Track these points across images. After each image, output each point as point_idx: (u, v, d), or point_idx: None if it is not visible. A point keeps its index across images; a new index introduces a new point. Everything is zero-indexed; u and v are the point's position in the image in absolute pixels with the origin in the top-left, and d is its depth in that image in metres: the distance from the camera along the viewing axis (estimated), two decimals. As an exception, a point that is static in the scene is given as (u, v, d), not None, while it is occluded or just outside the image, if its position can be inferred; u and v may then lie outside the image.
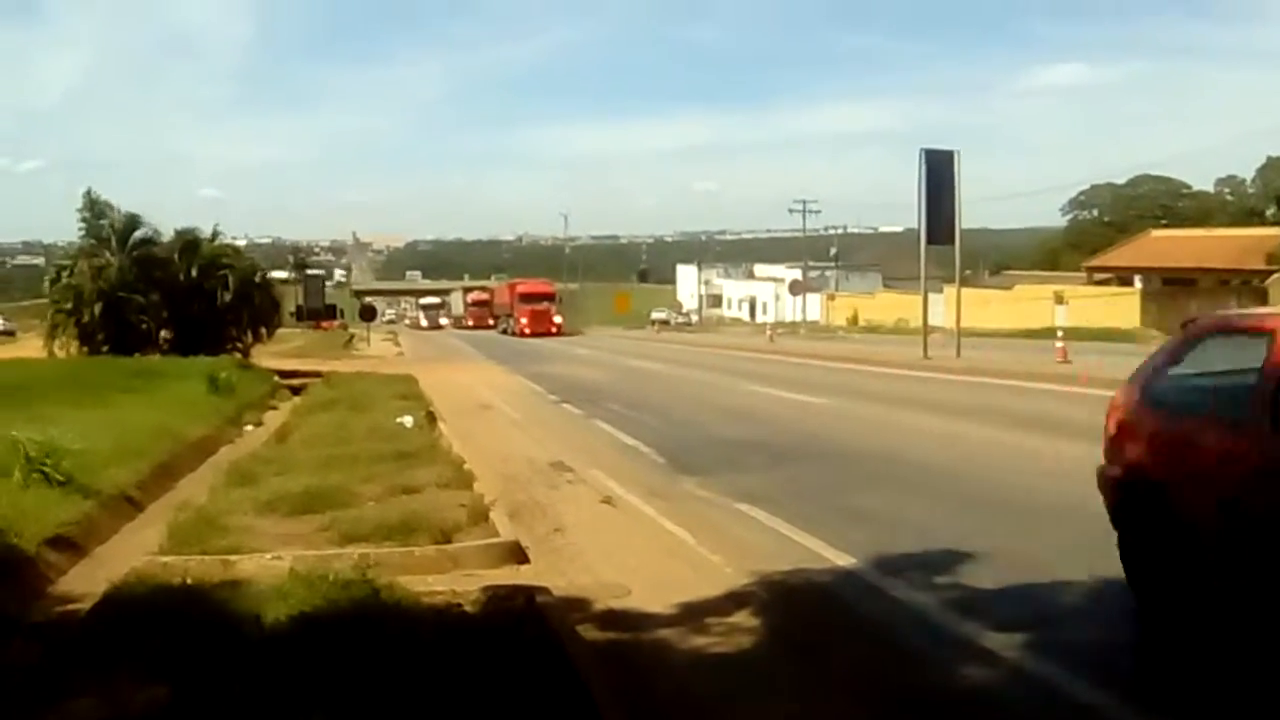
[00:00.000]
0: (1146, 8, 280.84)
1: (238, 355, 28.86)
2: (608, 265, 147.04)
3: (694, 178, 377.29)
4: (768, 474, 11.29)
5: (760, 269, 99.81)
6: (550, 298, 69.10)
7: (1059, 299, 26.53)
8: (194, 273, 29.23)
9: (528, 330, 63.45)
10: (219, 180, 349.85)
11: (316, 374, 25.92)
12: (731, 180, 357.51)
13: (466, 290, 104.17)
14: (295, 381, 24.41)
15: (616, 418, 16.93)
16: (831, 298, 73.69)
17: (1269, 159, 49.99)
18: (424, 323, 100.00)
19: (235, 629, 5.53)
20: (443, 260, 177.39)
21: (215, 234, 31.38)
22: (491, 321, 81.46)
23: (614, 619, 6.44)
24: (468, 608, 6.34)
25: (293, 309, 47.06)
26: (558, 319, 66.02)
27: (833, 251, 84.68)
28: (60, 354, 27.50)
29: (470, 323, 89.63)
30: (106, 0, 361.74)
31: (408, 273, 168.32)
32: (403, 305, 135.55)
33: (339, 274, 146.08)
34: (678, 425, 16.08)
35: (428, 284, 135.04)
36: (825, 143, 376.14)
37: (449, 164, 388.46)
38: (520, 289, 69.99)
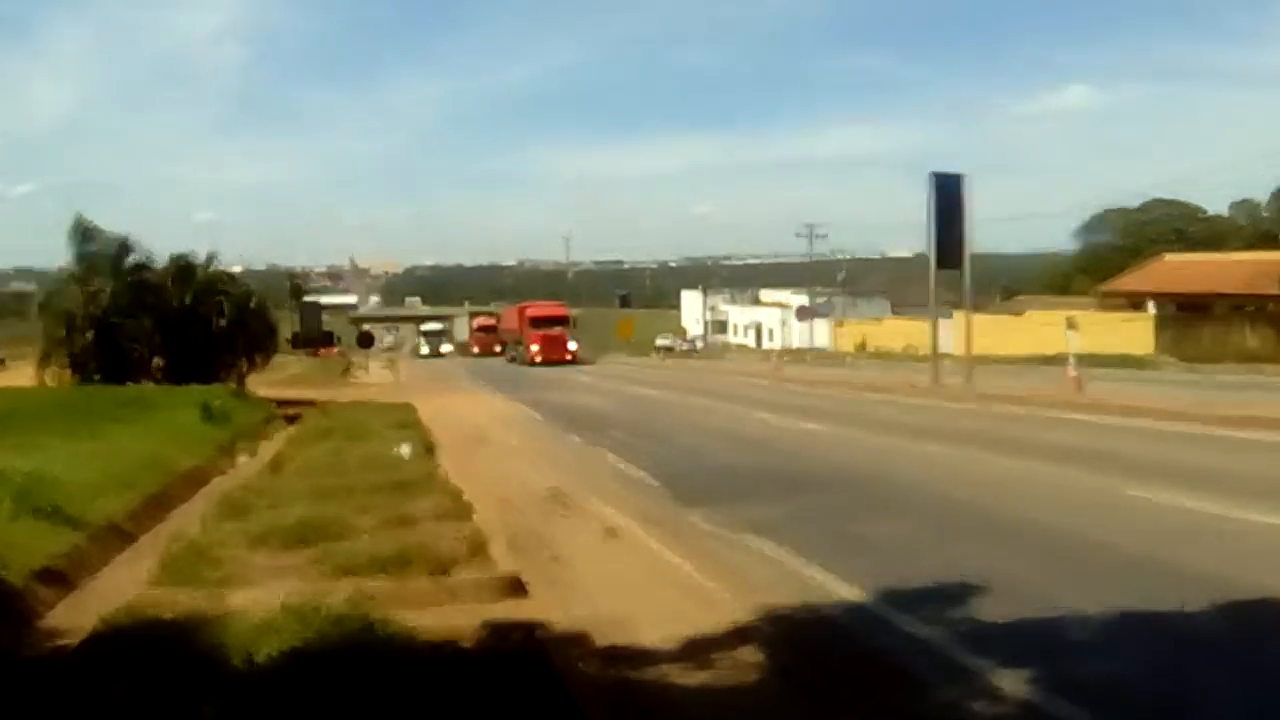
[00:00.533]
0: (1151, 29, 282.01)
1: (232, 383, 28.62)
2: (611, 290, 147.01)
3: (698, 201, 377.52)
4: (773, 504, 11.09)
5: (766, 294, 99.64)
6: (564, 321, 60.87)
7: (1071, 324, 26.24)
8: (188, 299, 28.92)
9: (539, 358, 56.17)
10: (215, 204, 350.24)
11: (312, 403, 25.78)
12: (736, 204, 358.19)
13: (472, 315, 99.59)
14: (291, 410, 24.26)
15: (618, 446, 16.74)
16: (840, 324, 73.49)
17: (1285, 182, 49.99)
18: (425, 350, 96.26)
19: (225, 664, 5.37)
20: (442, 286, 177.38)
21: (210, 259, 31.14)
22: (498, 348, 75.30)
23: (615, 654, 6.25)
24: (465, 643, 6.15)
25: (289, 336, 46.86)
26: (573, 345, 58.29)
27: (840, 276, 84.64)
28: (51, 382, 27.14)
29: (476, 349, 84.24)
30: (100, 23, 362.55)
31: (406, 299, 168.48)
32: (401, 332, 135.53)
33: (346, 299, 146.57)
34: (681, 453, 15.88)
35: (427, 310, 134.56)
36: (831, 166, 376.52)
37: (448, 188, 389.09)
38: (530, 312, 61.46)
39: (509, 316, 71.90)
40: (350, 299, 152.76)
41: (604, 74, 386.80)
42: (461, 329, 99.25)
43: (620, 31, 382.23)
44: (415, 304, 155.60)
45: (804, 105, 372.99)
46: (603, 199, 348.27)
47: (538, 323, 59.33)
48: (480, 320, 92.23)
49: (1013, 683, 5.38)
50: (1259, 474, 11.57)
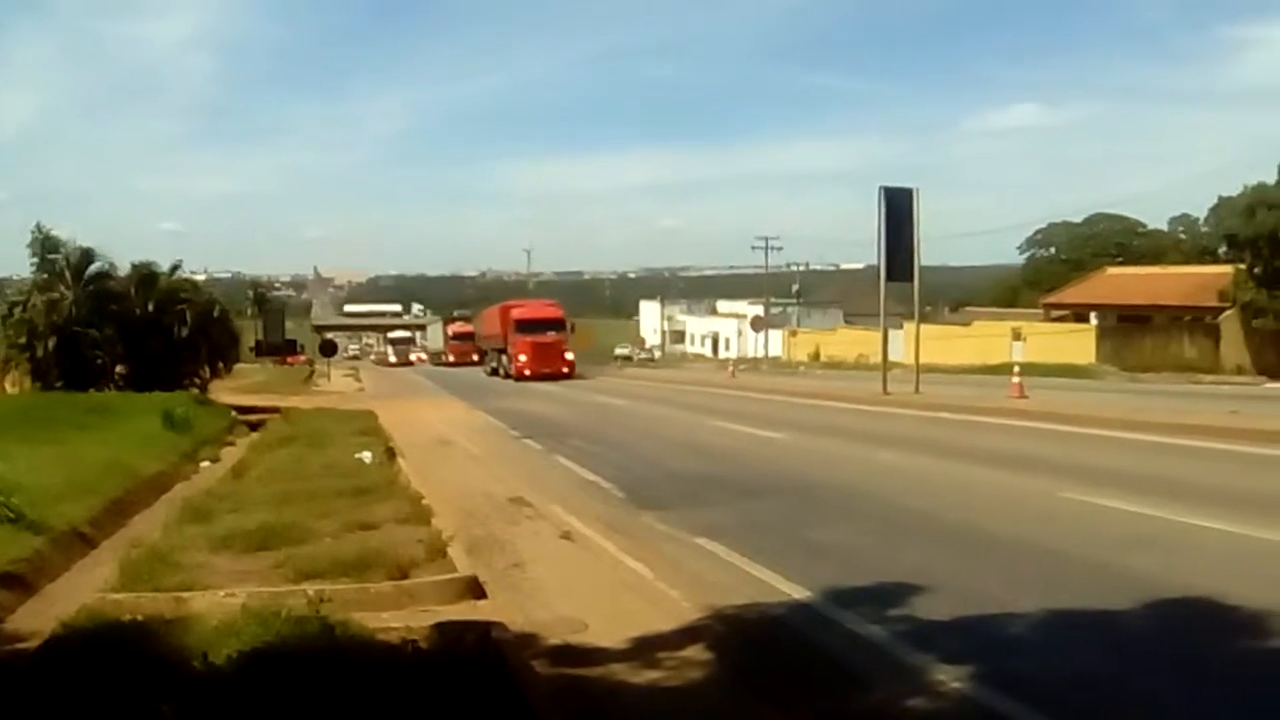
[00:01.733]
0: (1097, 50, 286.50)
1: (195, 391, 28.60)
2: (571, 301, 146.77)
3: (658, 214, 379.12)
4: (727, 509, 11.34)
5: (723, 305, 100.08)
6: (558, 324, 48.77)
7: (1017, 335, 26.89)
8: (151, 307, 28.97)
9: (528, 370, 45.57)
10: (179, 214, 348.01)
11: (275, 410, 25.73)
12: (695, 217, 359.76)
13: (447, 322, 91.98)
14: (253, 417, 24.26)
15: (577, 453, 16.93)
16: (793, 334, 74.02)
17: (1221, 199, 51.01)
18: (393, 358, 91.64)
19: (185, 666, 5.47)
20: (405, 295, 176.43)
21: (174, 268, 31.16)
22: (476, 357, 66.32)
23: (570, 654, 6.44)
24: (423, 644, 6.30)
25: (252, 344, 46.65)
26: (569, 355, 47.66)
27: (795, 288, 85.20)
28: (12, 390, 27.10)
29: (451, 358, 76.87)
30: (65, 33, 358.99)
31: (365, 308, 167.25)
32: (365, 340, 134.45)
33: (316, 307, 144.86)
34: (638, 460, 16.10)
35: (390, 317, 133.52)
36: (787, 181, 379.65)
37: (412, 199, 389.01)
38: (517, 314, 49.51)
39: (489, 319, 58.59)
40: (392, 307, 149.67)
41: (568, 88, 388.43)
42: (436, 336, 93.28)
43: (585, 46, 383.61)
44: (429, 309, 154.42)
45: (763, 121, 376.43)
46: (565, 211, 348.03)
47: (526, 326, 47.62)
48: (457, 327, 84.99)
49: (952, 679, 5.59)
50: (1195, 479, 11.94)
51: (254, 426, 22.38)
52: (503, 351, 50.71)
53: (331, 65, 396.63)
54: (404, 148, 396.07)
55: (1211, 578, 7.38)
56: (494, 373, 53.27)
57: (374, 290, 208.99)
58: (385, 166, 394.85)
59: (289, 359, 59.80)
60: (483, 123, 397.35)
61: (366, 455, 14.71)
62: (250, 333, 48.11)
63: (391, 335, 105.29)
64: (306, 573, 7.89)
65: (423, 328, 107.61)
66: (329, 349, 57.46)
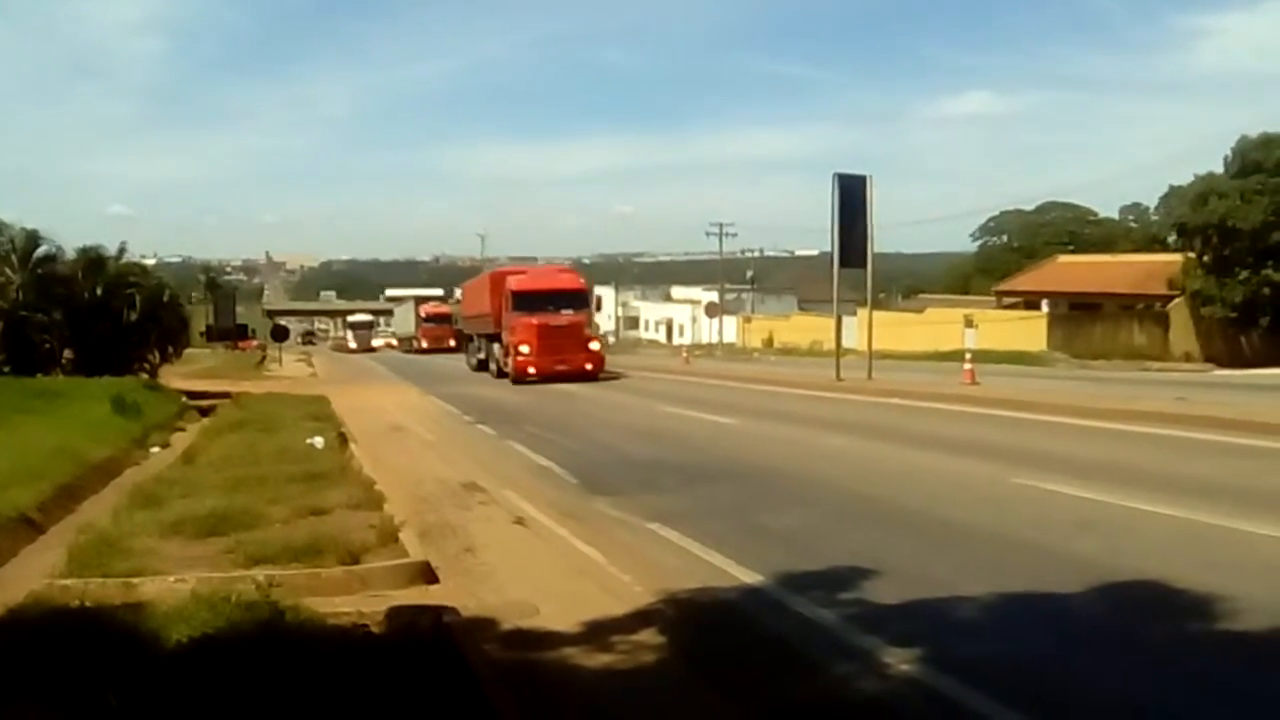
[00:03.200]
0: (1051, 38, 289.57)
1: (144, 376, 28.25)
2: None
3: (613, 200, 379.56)
4: (680, 494, 11.38)
5: (677, 291, 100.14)
6: (577, 298, 33.70)
7: (969, 322, 27.19)
8: (99, 291, 28.56)
9: (533, 366, 31.11)
10: (129, 198, 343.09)
11: (226, 395, 25.51)
12: (650, 203, 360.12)
13: (418, 302, 79.31)
14: (204, 403, 23.99)
15: (531, 439, 16.91)
16: (747, 320, 74.31)
17: (1171, 188, 51.82)
18: (353, 344, 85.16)
19: (133, 652, 5.42)
20: (358, 280, 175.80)
21: (121, 252, 30.73)
22: (453, 343, 58.56)
23: (521, 638, 6.45)
24: (374, 628, 6.30)
25: (203, 329, 46.11)
26: (594, 343, 33.08)
27: (749, 274, 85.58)
28: (-43, 374, 26.55)
29: (424, 343, 68.51)
30: (12, 14, 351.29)
31: (322, 293, 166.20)
32: (317, 325, 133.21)
33: (268, 292, 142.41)
34: (592, 446, 16.11)
35: (343, 304, 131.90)
36: (742, 168, 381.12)
37: (365, 184, 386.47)
38: (515, 283, 34.18)
39: (474, 294, 42.57)
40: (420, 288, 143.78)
41: (523, 72, 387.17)
42: (407, 319, 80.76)
43: (541, 30, 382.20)
44: (330, 298, 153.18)
45: (718, 108, 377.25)
46: (519, 196, 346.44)
47: (529, 301, 32.55)
48: (430, 308, 74.66)
49: (900, 661, 5.65)
50: (1142, 464, 12.15)
51: (205, 412, 22.11)
52: (494, 338, 35.20)
53: (284, 49, 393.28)
54: (357, 132, 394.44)
55: (1156, 561, 7.53)
56: (481, 366, 38.20)
57: (326, 275, 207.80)
58: (338, 151, 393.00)
59: (241, 344, 59.13)
60: (436, 107, 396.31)
61: (318, 441, 14.61)
62: (201, 318, 47.52)
63: (352, 319, 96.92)
64: (257, 558, 7.83)
65: (389, 311, 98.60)
66: (280, 334, 56.89)
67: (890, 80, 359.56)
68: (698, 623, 6.78)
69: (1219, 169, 42.99)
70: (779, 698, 5.35)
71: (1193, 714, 4.97)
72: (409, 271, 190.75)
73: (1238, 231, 40.30)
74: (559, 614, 6.84)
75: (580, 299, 33.68)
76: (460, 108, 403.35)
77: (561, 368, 30.79)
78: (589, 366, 31.42)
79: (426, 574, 7.90)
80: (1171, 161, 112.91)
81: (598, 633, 6.41)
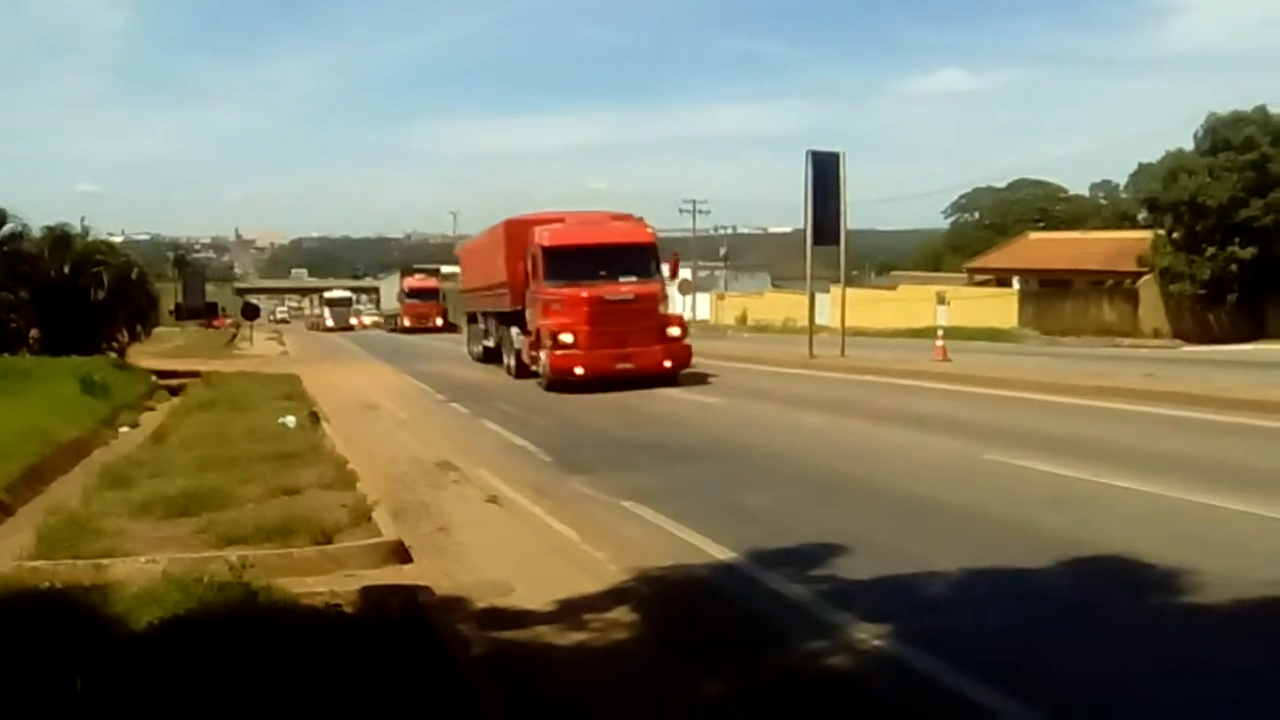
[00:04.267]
0: (1023, 15, 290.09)
1: (113, 355, 27.94)
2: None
3: (586, 176, 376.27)
4: (654, 472, 11.40)
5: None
6: (644, 258, 22.14)
7: (941, 299, 27.24)
8: (66, 269, 28.18)
9: (581, 366, 20.45)
10: (97, 175, 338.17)
11: (196, 374, 25.29)
12: (623, 179, 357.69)
13: (403, 274, 70.66)
14: (174, 382, 23.78)
15: (505, 418, 16.88)
16: (721, 297, 74.31)
17: (1140, 165, 52.09)
18: (330, 322, 78.86)
19: (104, 634, 5.39)
20: (329, 258, 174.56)
21: (86, 230, 30.33)
22: (440, 321, 55.81)
23: (496, 617, 6.46)
24: (347, 608, 6.29)
25: (172, 307, 45.68)
26: (673, 330, 21.60)
27: (722, 251, 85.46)
28: (-79, 353, 26.18)
29: (406, 321, 62.62)
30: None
31: (293, 270, 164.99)
32: (287, 303, 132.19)
33: (238, 269, 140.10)
34: (566, 425, 16.10)
35: (315, 281, 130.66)
36: (716, 144, 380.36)
37: (335, 160, 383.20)
38: (548, 238, 22.01)
39: (479, 256, 29.75)
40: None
41: (495, 48, 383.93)
42: (392, 297, 72.65)
43: (513, 6, 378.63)
44: (302, 275, 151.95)
45: (692, 84, 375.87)
46: (492, 173, 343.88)
47: (570, 262, 21.57)
48: (415, 281, 66.44)
49: (872, 636, 5.70)
50: (1111, 440, 12.24)
51: (174, 391, 21.93)
52: (511, 320, 24.67)
53: (253, 23, 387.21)
54: (327, 108, 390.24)
55: (1124, 535, 7.61)
56: (490, 356, 28.34)
57: (296, 252, 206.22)
58: (308, 127, 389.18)
59: (216, 322, 58.66)
60: (408, 83, 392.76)
61: (290, 420, 14.52)
62: (170, 296, 47.08)
63: (328, 295, 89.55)
64: (229, 538, 7.78)
65: (375, 290, 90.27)
66: (251, 312, 56.46)
67: (864, 57, 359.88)
68: (671, 600, 6.81)
69: (1189, 146, 43.28)
70: (751, 673, 5.38)
71: (1158, 685, 5.03)
72: (381, 249, 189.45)
73: (1207, 208, 40.60)
74: (533, 592, 6.85)
75: (647, 259, 21.90)
76: (432, 84, 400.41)
77: (625, 366, 20.15)
78: (667, 364, 20.49)
79: (400, 553, 7.88)
80: (1141, 139, 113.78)
81: (572, 611, 6.43)
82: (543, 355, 21.12)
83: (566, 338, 20.45)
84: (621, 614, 6.38)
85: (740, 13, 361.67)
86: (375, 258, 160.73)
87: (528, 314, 23.05)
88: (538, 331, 21.52)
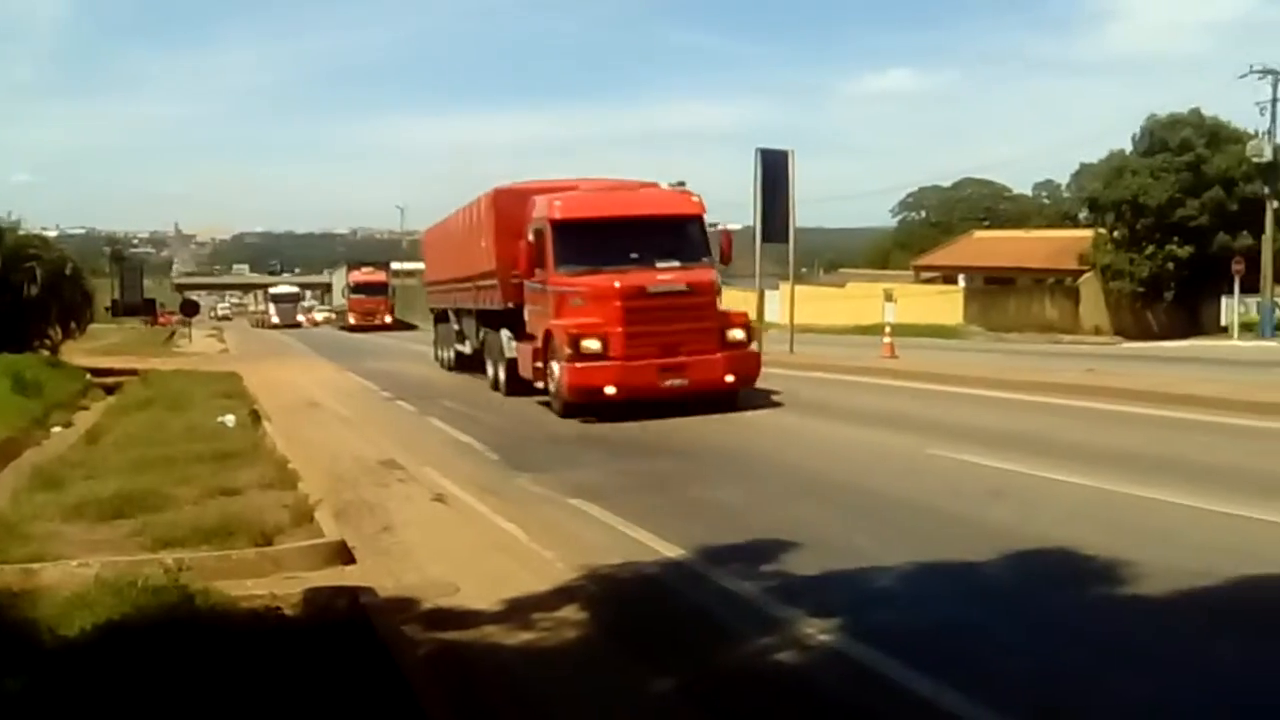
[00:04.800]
0: (970, 17, 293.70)
1: (46, 353, 27.28)
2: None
3: (536, 171, 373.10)
4: (603, 469, 11.33)
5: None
6: (690, 235, 16.60)
7: (888, 296, 27.56)
8: (-3, 264, 27.44)
9: (612, 384, 14.81)
10: (32, 166, 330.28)
11: (133, 372, 24.76)
12: (575, 175, 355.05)
13: (349, 269, 65.59)
14: (109, 380, 23.27)
15: (450, 414, 16.71)
16: (670, 294, 74.28)
17: (1082, 165, 53.26)
18: (276, 319, 74.64)
19: (33, 640, 5.24)
20: (272, 253, 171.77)
21: (18, 223, 29.54)
22: (389, 319, 53.85)
23: (441, 617, 6.36)
24: (287, 611, 6.16)
25: (108, 304, 44.77)
26: (737, 333, 15.90)
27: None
28: None
29: (353, 319, 59.87)
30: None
31: (234, 266, 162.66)
32: (229, 299, 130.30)
33: (177, 265, 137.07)
34: (514, 421, 15.95)
35: (258, 277, 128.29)
36: (667, 140, 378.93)
37: (279, 154, 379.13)
38: (561, 210, 16.24)
39: (451, 238, 23.76)
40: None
41: (448, 43, 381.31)
42: (342, 291, 68.70)
43: (467, 2, 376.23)
44: (243, 271, 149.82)
45: (642, 80, 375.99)
46: (441, 167, 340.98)
47: (590, 240, 15.97)
48: (360, 275, 62.51)
49: (820, 631, 5.71)
50: (1053, 434, 12.37)
51: (110, 390, 21.46)
52: (502, 320, 19.04)
53: (194, 12, 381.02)
54: (272, 101, 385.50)
55: (1065, 528, 7.70)
56: (466, 364, 23.37)
57: (239, 248, 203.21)
58: (252, 120, 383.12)
59: (161, 319, 57.54)
60: (355, 76, 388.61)
61: (229, 419, 14.27)
62: (106, 292, 46.15)
63: (274, 290, 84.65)
64: (165, 541, 7.59)
65: (328, 285, 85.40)
66: (190, 308, 55.45)
67: (814, 57, 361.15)
68: (620, 598, 6.77)
69: (1129, 147, 44.12)
70: (700, 670, 5.35)
71: (1095, 674, 5.10)
72: (325, 244, 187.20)
73: (1146, 208, 41.46)
74: (479, 592, 6.76)
75: (695, 237, 16.68)
76: (381, 78, 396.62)
77: (676, 383, 15.13)
78: (729, 379, 15.45)
79: (343, 554, 7.74)
80: (1083, 139, 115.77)
81: (519, 610, 6.35)
82: (555, 368, 15.49)
83: (592, 344, 14.85)
84: (570, 612, 6.32)
85: (695, 10, 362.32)
86: (320, 253, 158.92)
87: (528, 312, 17.45)
88: (547, 336, 15.92)
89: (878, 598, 6.46)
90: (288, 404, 18.90)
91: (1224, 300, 39.13)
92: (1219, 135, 42.27)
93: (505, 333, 18.66)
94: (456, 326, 24.30)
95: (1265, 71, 38.31)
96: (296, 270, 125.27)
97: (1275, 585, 6.17)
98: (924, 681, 4.91)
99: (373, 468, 12.02)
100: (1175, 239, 41.30)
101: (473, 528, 8.99)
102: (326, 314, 77.58)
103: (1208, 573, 6.35)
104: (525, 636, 5.96)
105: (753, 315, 18.35)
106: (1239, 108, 64.96)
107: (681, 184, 18.20)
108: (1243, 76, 38.55)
